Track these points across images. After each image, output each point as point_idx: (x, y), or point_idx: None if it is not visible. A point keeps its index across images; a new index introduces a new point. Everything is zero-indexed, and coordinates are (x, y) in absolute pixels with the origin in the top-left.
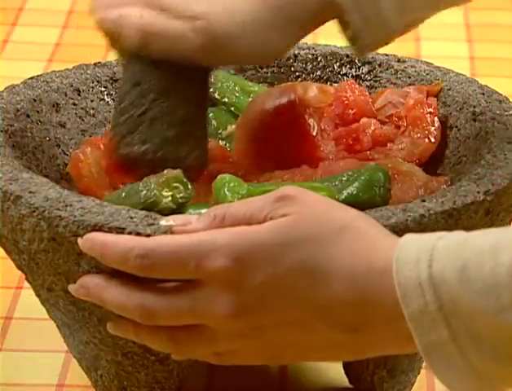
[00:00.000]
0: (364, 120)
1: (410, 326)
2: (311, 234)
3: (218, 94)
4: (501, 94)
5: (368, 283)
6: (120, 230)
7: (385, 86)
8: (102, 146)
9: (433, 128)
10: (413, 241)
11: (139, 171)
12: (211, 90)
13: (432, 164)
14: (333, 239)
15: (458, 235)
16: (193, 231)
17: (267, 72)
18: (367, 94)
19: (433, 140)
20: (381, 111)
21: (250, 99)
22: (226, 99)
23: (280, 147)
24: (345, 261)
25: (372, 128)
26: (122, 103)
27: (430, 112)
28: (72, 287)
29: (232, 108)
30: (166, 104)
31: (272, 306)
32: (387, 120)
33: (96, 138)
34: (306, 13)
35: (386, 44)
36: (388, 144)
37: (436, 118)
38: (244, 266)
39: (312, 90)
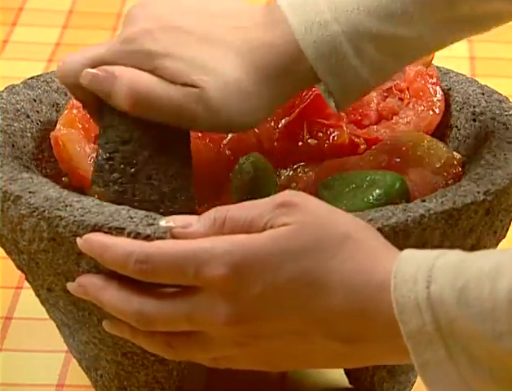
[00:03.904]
0: None
1: (407, 343)
2: (310, 245)
3: None
4: (501, 94)
5: (366, 296)
6: (120, 230)
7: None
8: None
9: (436, 98)
10: (412, 258)
11: None
12: None
13: None
14: (333, 250)
15: (457, 255)
16: (193, 234)
17: None
18: None
19: (437, 111)
20: None
21: None
22: None
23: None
24: (344, 272)
25: (375, 101)
26: (111, 160)
27: (433, 83)
28: (70, 286)
29: None
30: (160, 160)
31: (270, 316)
32: (386, 93)
33: (70, 115)
34: (292, 84)
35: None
36: (393, 118)
37: (438, 88)
38: (243, 276)
39: None
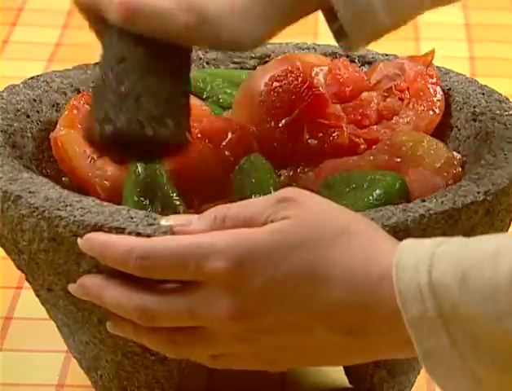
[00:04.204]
0: (364, 94)
1: (409, 331)
2: (310, 237)
3: (208, 94)
4: (501, 94)
5: (367, 287)
6: (120, 230)
7: None
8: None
9: (436, 98)
10: (413, 246)
11: (121, 150)
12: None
13: None
14: (332, 242)
15: (458, 241)
16: (194, 232)
17: None
18: (361, 70)
19: (437, 111)
20: (379, 85)
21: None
22: (215, 97)
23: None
24: (344, 264)
25: (375, 101)
26: (107, 78)
27: (433, 83)
28: (71, 287)
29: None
30: (152, 82)
31: (272, 309)
32: (386, 93)
33: (71, 115)
34: (293, 4)
35: (372, 41)
36: (394, 118)
37: (439, 88)
38: (244, 269)
39: (310, 57)
